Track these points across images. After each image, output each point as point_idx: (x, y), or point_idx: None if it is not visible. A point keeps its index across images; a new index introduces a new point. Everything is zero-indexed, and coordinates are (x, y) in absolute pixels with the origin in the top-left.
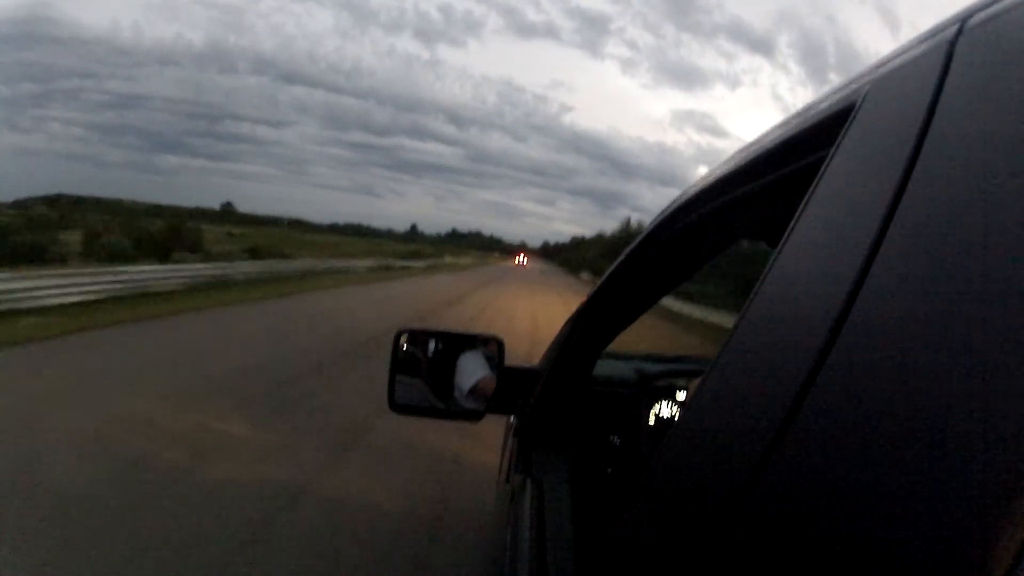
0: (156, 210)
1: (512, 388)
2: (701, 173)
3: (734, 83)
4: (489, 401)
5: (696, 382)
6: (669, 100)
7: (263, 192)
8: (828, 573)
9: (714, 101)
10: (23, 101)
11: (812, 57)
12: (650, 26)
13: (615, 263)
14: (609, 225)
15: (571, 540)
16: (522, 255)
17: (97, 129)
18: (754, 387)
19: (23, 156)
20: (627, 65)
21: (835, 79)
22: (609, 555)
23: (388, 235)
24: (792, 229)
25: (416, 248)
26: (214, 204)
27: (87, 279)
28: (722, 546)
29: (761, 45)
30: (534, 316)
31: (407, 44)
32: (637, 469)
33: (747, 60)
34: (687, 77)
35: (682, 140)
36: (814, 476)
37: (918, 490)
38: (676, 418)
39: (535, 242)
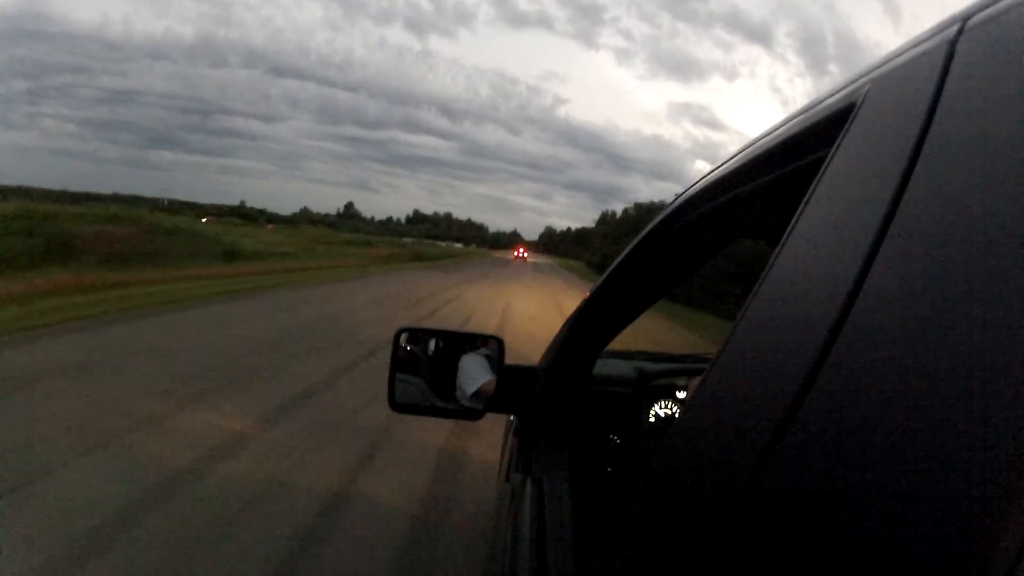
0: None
1: (512, 387)
2: (698, 167)
3: (731, 74)
4: (489, 400)
5: (696, 381)
6: (665, 92)
7: (257, 188)
8: (828, 573)
9: (711, 93)
10: (16, 97)
11: (811, 47)
12: (645, 15)
13: (615, 262)
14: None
15: (571, 539)
16: (522, 249)
17: (90, 125)
18: (754, 387)
19: (18, 152)
20: (622, 56)
21: (834, 70)
22: (609, 555)
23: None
24: (792, 229)
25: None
26: (210, 200)
27: None
28: (722, 546)
29: (759, 35)
30: None
31: (398, 35)
32: (637, 468)
33: (744, 51)
34: (684, 68)
35: (679, 133)
36: (814, 476)
37: (918, 490)
38: (676, 417)
39: (530, 236)
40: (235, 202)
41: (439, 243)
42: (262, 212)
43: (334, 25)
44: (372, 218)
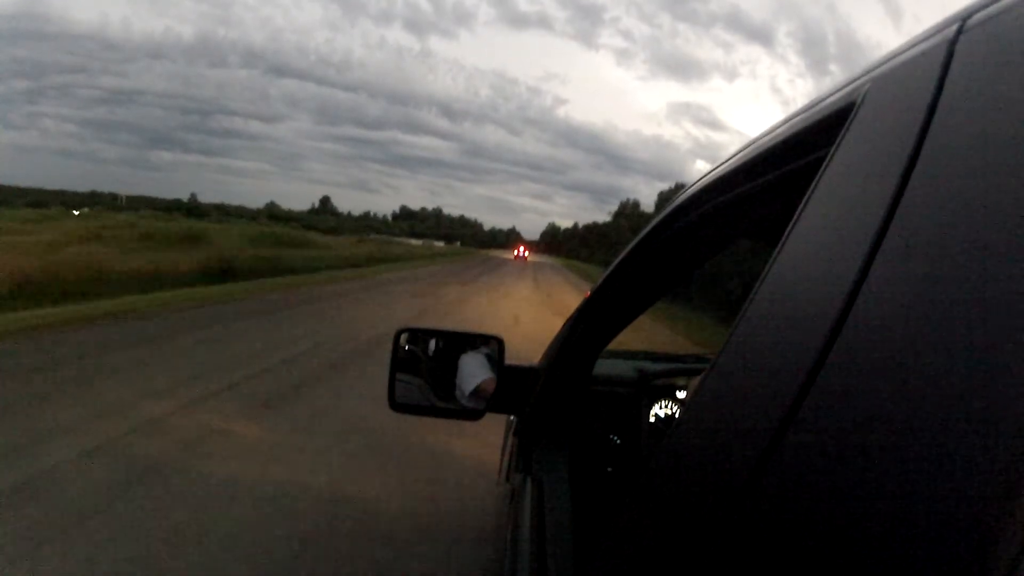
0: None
1: (512, 387)
2: (698, 167)
3: (732, 74)
4: (489, 400)
5: (696, 381)
6: (665, 92)
7: (257, 188)
8: (828, 573)
9: (711, 93)
10: (15, 97)
11: (812, 48)
12: (645, 16)
13: (615, 262)
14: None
15: (571, 539)
16: (522, 248)
17: (90, 125)
18: (754, 387)
19: (19, 152)
20: (622, 56)
21: (835, 70)
22: (609, 554)
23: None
24: (792, 229)
25: None
26: (207, 199)
27: None
28: (722, 545)
29: (759, 35)
30: None
31: (397, 36)
32: (637, 468)
33: (745, 51)
34: (684, 68)
35: (679, 134)
36: (814, 476)
37: (918, 490)
38: (676, 417)
39: (530, 236)
40: (244, 201)
41: (412, 242)
42: (218, 207)
43: (333, 25)
44: (349, 213)
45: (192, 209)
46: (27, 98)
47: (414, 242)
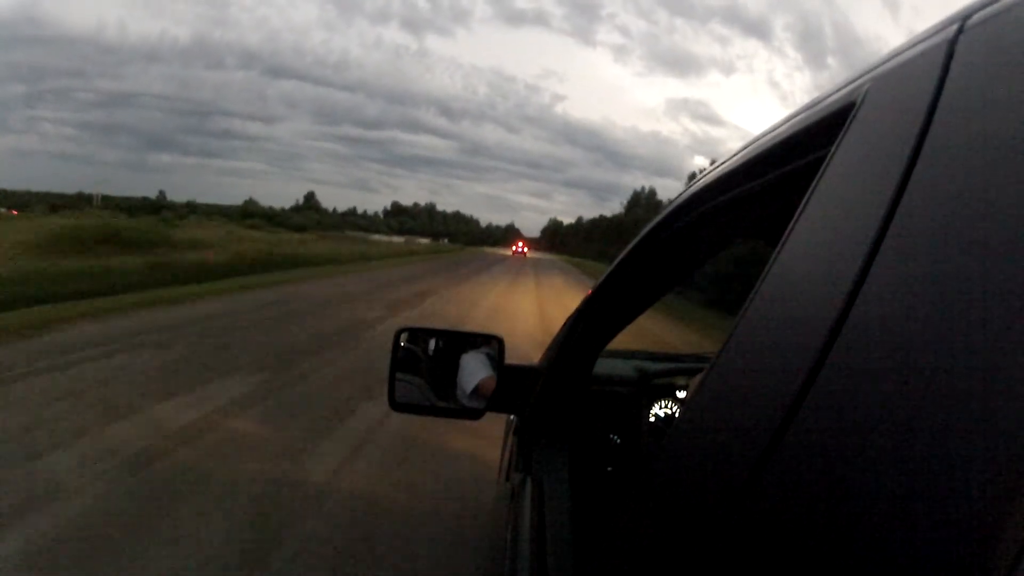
0: None
1: (512, 386)
2: (697, 162)
3: (729, 69)
4: (489, 399)
5: (696, 381)
6: (663, 88)
7: (255, 188)
8: (828, 572)
9: (709, 88)
10: (13, 102)
11: (809, 41)
12: (642, 11)
13: (615, 261)
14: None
15: (571, 539)
16: (521, 243)
17: (88, 128)
18: (754, 386)
19: (18, 157)
20: (619, 52)
21: (833, 64)
22: (609, 554)
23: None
24: (792, 229)
25: None
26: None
27: None
28: (722, 544)
29: (756, 29)
30: None
31: (394, 35)
32: (637, 467)
33: (742, 45)
34: (681, 64)
35: (677, 129)
36: (814, 475)
37: (918, 490)
38: (676, 417)
39: (530, 233)
40: (237, 201)
41: (394, 239)
42: (188, 204)
43: (330, 25)
44: (334, 210)
45: (159, 207)
46: (25, 103)
47: (396, 239)
